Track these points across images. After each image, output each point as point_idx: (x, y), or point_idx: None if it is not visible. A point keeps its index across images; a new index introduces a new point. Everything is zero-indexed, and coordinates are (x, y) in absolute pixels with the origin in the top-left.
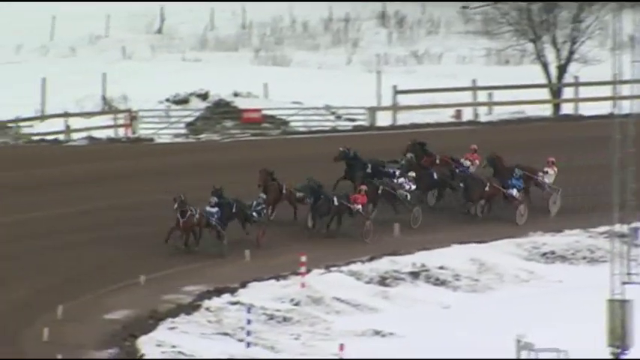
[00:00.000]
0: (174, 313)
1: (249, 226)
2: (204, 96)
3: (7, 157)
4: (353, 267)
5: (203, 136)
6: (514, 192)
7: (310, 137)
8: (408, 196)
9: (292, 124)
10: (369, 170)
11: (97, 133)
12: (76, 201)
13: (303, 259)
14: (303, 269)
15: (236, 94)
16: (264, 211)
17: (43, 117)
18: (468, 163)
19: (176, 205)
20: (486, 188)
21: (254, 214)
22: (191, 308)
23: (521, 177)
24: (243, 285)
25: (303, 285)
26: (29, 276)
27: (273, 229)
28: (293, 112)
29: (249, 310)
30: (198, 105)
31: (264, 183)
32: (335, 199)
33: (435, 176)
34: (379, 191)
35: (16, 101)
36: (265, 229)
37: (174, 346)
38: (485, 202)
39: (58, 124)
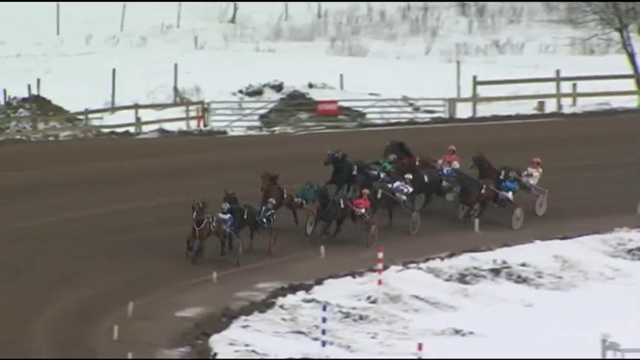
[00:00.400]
0: (247, 310)
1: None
2: (278, 87)
3: (76, 151)
4: (431, 264)
5: (277, 129)
6: (510, 195)
7: (387, 129)
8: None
9: (369, 116)
10: (354, 173)
11: (168, 126)
12: (149, 195)
13: (380, 255)
14: (380, 266)
15: (311, 86)
16: (274, 217)
17: (113, 109)
18: (441, 162)
19: (195, 213)
20: (482, 191)
21: (263, 220)
22: (265, 306)
23: (516, 179)
24: (319, 282)
25: (380, 282)
26: (104, 272)
27: (349, 224)
28: (370, 104)
29: (324, 308)
30: (272, 96)
31: (267, 187)
32: (342, 202)
33: (426, 179)
34: (378, 195)
35: (86, 93)
36: (276, 235)
37: (247, 345)
38: (480, 205)
39: (128, 117)
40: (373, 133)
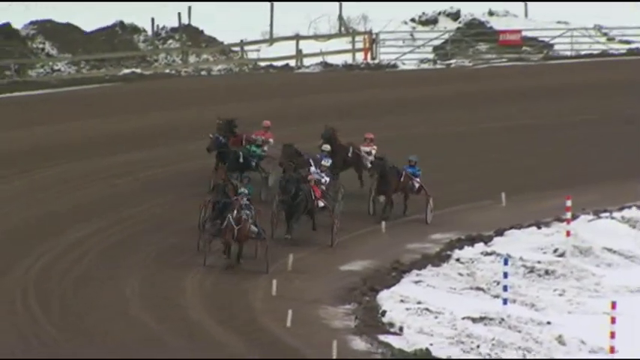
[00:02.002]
0: (419, 264)
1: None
2: (454, 15)
3: (230, 87)
4: (626, 213)
5: (453, 62)
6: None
7: (578, 62)
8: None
9: (557, 47)
10: (241, 160)
11: (332, 59)
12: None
13: (569, 203)
14: (568, 215)
15: (491, 13)
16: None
17: (271, 40)
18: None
19: (235, 212)
20: (402, 178)
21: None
22: (439, 259)
23: (417, 163)
24: (499, 233)
25: (568, 233)
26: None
27: (536, 174)
28: (558, 34)
29: (506, 262)
30: (447, 26)
31: (288, 160)
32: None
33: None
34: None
35: (241, 23)
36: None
37: (419, 302)
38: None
39: (288, 48)
40: (561, 67)
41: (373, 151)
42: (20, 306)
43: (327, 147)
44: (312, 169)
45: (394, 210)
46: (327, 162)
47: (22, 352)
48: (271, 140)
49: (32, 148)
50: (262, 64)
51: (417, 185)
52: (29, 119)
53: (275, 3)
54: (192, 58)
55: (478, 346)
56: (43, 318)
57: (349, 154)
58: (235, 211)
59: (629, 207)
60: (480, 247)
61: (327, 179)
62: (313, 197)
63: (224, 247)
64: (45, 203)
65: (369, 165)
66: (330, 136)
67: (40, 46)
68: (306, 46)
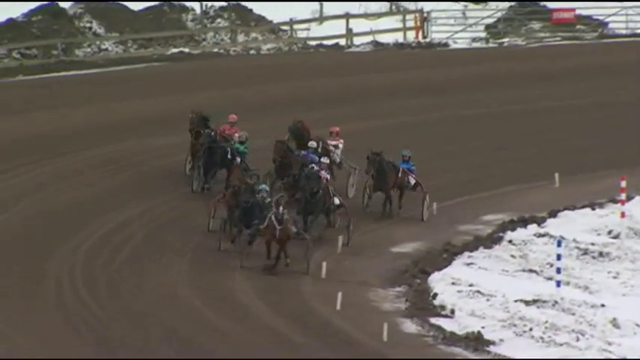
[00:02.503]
0: (471, 246)
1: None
2: None
3: (279, 66)
4: None
5: (505, 41)
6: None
7: (632, 41)
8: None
9: (611, 25)
10: (229, 157)
11: (382, 38)
12: (369, 114)
13: (623, 184)
14: (622, 196)
15: None
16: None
17: (321, 19)
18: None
19: (277, 211)
20: (399, 174)
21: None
22: (491, 241)
23: (410, 158)
24: (553, 214)
25: (623, 215)
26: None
27: (589, 155)
28: (613, 12)
29: (559, 244)
30: (499, 4)
31: (282, 157)
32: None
33: None
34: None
35: (291, 2)
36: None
37: (471, 285)
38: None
39: (338, 27)
40: (616, 46)
41: (340, 145)
42: (68, 289)
43: (313, 144)
44: (315, 167)
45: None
46: (326, 159)
47: (70, 336)
48: (236, 135)
49: (78, 128)
50: (312, 43)
51: (412, 182)
52: (76, 99)
53: None
54: (240, 37)
55: (531, 329)
56: (90, 301)
57: (319, 149)
58: (276, 210)
59: None
60: (532, 228)
61: (328, 177)
62: (331, 194)
63: (266, 248)
64: (92, 184)
65: (338, 159)
66: (298, 130)
67: (88, 25)
68: (357, 25)
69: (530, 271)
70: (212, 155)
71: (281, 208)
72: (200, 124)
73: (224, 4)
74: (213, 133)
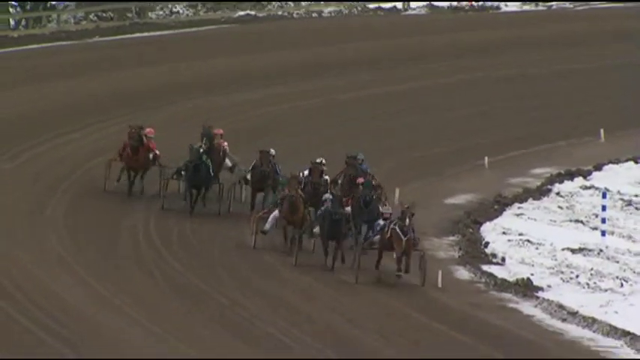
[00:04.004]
0: (521, 197)
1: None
2: None
3: (341, 27)
4: None
5: (554, 4)
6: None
7: None
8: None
9: None
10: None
11: (437, 1)
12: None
13: None
14: None
15: None
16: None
17: None
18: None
19: (403, 223)
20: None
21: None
22: (540, 193)
23: (363, 161)
24: (598, 168)
25: None
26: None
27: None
28: None
29: (604, 196)
30: None
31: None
32: None
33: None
34: None
35: None
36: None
37: (520, 234)
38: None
39: None
40: None
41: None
42: (143, 240)
43: (273, 151)
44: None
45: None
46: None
47: (147, 285)
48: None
49: (152, 87)
50: (371, 6)
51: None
52: (149, 59)
53: None
54: (304, 2)
55: (577, 276)
56: (165, 252)
57: (221, 153)
58: (402, 223)
59: None
60: (579, 181)
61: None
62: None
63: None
64: (161, 143)
65: (230, 163)
66: (210, 135)
67: None
68: None
69: (577, 221)
70: (198, 172)
71: (407, 220)
72: (138, 139)
73: None
74: (202, 149)
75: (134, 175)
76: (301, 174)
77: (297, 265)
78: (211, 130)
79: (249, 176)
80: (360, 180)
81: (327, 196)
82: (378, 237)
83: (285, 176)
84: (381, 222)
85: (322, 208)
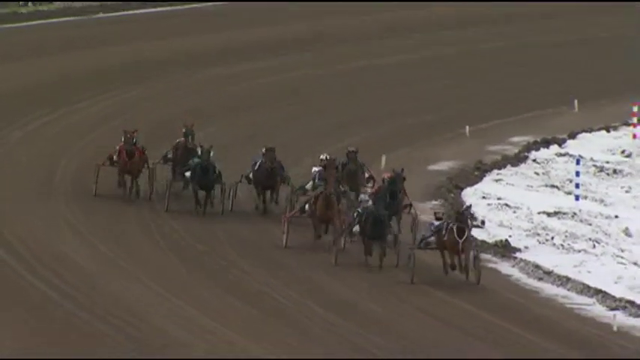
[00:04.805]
0: (500, 164)
1: None
2: None
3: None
4: None
5: None
6: None
7: None
8: None
9: None
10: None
11: None
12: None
13: (635, 109)
14: (634, 120)
15: None
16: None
17: None
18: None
19: (460, 225)
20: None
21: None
22: (517, 160)
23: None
24: (572, 136)
25: (634, 136)
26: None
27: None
28: None
29: (578, 162)
30: None
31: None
32: None
33: None
34: None
35: None
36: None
37: (499, 198)
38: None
39: None
40: None
41: None
42: (147, 205)
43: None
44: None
45: None
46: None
47: (151, 248)
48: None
49: (172, 56)
50: None
51: None
52: (169, 30)
53: None
54: None
55: (552, 238)
56: (169, 218)
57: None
58: (459, 224)
59: None
60: (554, 148)
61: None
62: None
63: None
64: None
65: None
66: (193, 134)
67: None
68: None
69: (552, 186)
70: (206, 173)
71: (468, 222)
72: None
73: None
74: (212, 151)
75: (131, 180)
76: (314, 169)
77: (336, 264)
78: (193, 130)
79: (251, 175)
80: (387, 175)
81: (364, 196)
82: (433, 238)
83: (288, 175)
84: (436, 222)
85: (360, 208)
